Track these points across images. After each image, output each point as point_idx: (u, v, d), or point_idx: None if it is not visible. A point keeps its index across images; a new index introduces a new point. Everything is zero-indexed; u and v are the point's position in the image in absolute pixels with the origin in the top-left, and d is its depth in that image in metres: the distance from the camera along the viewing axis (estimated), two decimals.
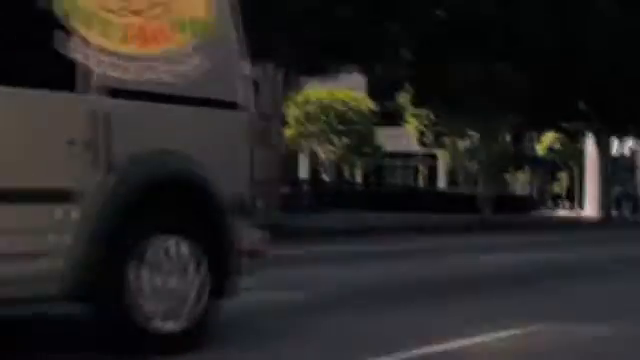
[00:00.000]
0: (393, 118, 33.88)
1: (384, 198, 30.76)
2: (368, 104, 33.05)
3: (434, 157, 39.42)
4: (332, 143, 32.57)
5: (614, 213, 33.17)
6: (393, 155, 37.85)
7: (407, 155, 39.71)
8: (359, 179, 38.98)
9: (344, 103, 32.26)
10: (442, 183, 41.13)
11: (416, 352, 4.81)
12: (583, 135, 32.65)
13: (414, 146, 35.50)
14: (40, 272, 4.10)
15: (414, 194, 33.94)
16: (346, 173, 38.26)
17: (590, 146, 32.83)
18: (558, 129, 32.51)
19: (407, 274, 9.31)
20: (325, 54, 18.55)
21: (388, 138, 34.96)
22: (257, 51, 5.38)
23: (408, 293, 7.55)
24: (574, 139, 34.43)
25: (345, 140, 31.68)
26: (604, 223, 28.81)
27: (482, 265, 10.89)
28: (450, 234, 19.09)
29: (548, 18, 21.25)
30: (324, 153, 33.78)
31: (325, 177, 35.62)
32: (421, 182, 41.21)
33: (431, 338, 5.16)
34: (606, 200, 31.77)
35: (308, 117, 32.31)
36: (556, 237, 18.98)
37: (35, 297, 4.21)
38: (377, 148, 34.34)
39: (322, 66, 19.94)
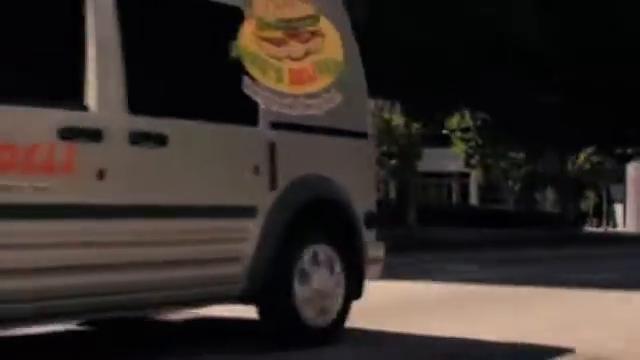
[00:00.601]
0: (437, 140, 35.47)
1: (423, 213, 31.26)
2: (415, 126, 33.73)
3: (466, 176, 41.68)
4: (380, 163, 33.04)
5: None
6: (426, 175, 39.35)
7: (440, 175, 41.85)
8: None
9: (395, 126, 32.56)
10: (473, 200, 43.27)
11: None
12: (630, 158, 34.78)
13: (449, 166, 37.49)
14: (230, 275, 4.94)
15: (452, 210, 35.71)
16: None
17: (632, 167, 35.04)
18: (607, 152, 34.64)
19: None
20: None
21: (430, 158, 36.27)
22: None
23: None
24: (620, 161, 36.52)
25: (393, 161, 32.07)
26: None
27: None
28: (544, 246, 20.83)
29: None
30: None
31: None
32: (454, 199, 43.26)
33: None
34: None
35: None
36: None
37: (224, 296, 5.05)
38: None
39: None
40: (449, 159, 38.54)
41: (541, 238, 25.58)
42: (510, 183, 36.24)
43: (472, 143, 34.09)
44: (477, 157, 34.81)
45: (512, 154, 34.53)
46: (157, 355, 5.09)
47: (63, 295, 4.18)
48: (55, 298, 4.15)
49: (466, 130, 33.13)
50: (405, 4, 18.73)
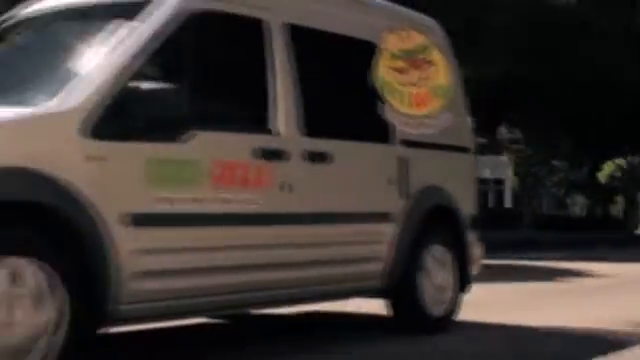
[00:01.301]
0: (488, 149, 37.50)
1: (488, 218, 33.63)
2: None
3: (500, 182, 43.61)
4: None
5: None
6: None
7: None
8: None
9: None
10: (507, 204, 44.86)
11: None
12: None
13: (484, 173, 39.39)
14: (372, 272, 5.79)
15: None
16: None
17: None
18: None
19: None
20: None
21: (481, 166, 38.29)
22: None
23: None
24: None
25: None
26: None
27: None
28: (610, 247, 22.70)
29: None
30: None
31: None
32: (490, 204, 45.14)
33: None
34: None
35: None
36: None
37: (366, 291, 5.90)
38: None
39: None
40: (484, 166, 40.60)
41: (611, 239, 27.40)
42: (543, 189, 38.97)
43: (521, 153, 36.55)
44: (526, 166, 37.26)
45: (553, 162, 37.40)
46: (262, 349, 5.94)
47: (252, 289, 5.01)
48: (248, 291, 4.98)
49: (516, 142, 35.75)
50: None
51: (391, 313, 6.20)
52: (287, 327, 6.78)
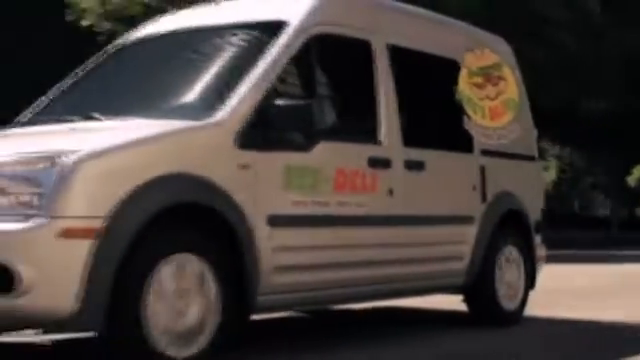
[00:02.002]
0: None
1: None
2: None
3: None
4: None
5: None
6: None
7: None
8: None
9: None
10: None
11: None
12: None
13: None
14: (456, 270, 6.36)
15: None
16: None
17: None
18: None
19: None
20: None
21: None
22: None
23: None
24: None
25: None
26: None
27: None
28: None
29: None
30: None
31: None
32: None
33: None
34: None
35: None
36: None
37: (450, 287, 6.46)
38: None
39: None
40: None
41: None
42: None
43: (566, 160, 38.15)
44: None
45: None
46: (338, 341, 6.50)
47: (364, 283, 5.58)
48: (360, 285, 5.55)
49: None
50: None
51: (468, 308, 6.77)
52: (365, 322, 7.34)
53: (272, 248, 4.82)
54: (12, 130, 5.29)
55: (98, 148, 4.19)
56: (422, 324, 7.04)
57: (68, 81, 5.92)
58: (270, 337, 6.26)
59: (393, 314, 7.69)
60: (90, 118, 4.95)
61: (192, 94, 5.08)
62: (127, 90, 5.48)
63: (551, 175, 41.13)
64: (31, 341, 5.40)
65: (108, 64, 5.94)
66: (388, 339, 5.98)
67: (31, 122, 5.41)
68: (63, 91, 5.84)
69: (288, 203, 4.95)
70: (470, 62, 6.70)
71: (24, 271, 3.89)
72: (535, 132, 7.50)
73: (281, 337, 6.31)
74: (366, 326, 7.03)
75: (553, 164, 40.88)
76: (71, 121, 4.97)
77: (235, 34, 5.42)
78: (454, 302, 6.96)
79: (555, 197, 39.03)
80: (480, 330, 6.46)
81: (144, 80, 5.53)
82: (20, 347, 5.44)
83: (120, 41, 6.18)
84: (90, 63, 6.03)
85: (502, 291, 6.70)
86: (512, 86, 7.12)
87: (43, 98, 5.83)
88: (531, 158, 7.31)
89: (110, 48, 6.13)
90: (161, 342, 4.26)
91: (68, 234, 3.97)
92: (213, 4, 5.98)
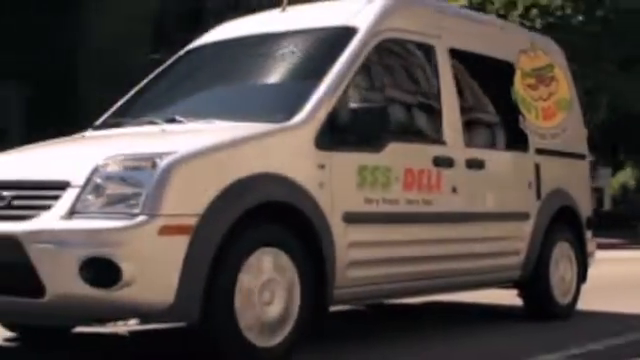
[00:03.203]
0: None
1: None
2: None
3: (600, 190, 46.34)
4: None
5: None
6: None
7: None
8: None
9: None
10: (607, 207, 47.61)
11: None
12: None
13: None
14: (513, 264, 6.59)
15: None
16: None
17: None
18: None
19: None
20: None
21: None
22: None
23: None
24: None
25: None
26: None
27: None
28: None
29: None
30: None
31: None
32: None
33: None
34: None
35: None
36: None
37: (506, 281, 6.69)
38: None
39: None
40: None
41: None
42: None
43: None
44: None
45: None
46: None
47: (429, 277, 5.82)
48: (426, 279, 5.80)
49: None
50: None
51: (522, 302, 7.01)
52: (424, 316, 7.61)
53: (347, 244, 5.08)
54: (101, 132, 5.59)
55: (192, 150, 4.47)
56: (473, 318, 7.29)
57: (145, 84, 6.21)
58: (331, 329, 6.53)
59: (443, 308, 7.94)
60: (173, 121, 5.23)
61: (271, 97, 5.36)
62: (205, 93, 5.76)
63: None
64: (110, 332, 5.70)
65: (182, 68, 6.22)
66: (437, 333, 6.24)
67: (116, 124, 5.69)
68: (140, 93, 6.13)
69: (361, 201, 5.21)
70: (524, 64, 6.94)
71: (127, 266, 4.16)
72: (585, 131, 7.71)
73: (341, 329, 6.58)
74: (413, 319, 7.30)
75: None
76: (156, 123, 5.25)
77: (307, 39, 5.69)
78: (502, 297, 7.21)
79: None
80: (530, 324, 6.71)
81: (220, 84, 5.80)
82: (98, 337, 5.74)
83: (192, 45, 6.45)
84: (164, 67, 6.31)
85: (556, 285, 6.93)
86: (563, 86, 7.36)
87: (122, 100, 6.12)
88: (581, 157, 7.53)
89: (183, 52, 6.41)
90: (249, 331, 4.53)
91: (166, 231, 4.24)
92: (279, 10, 6.22)
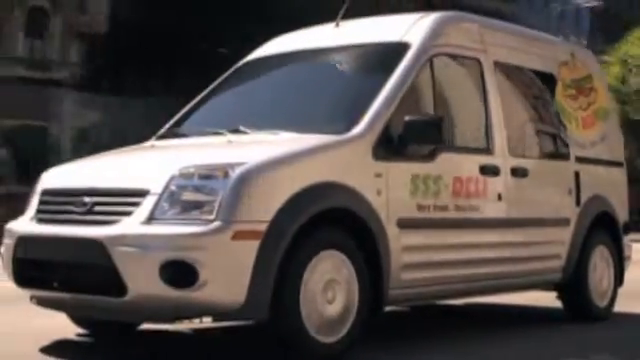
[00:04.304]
0: None
1: None
2: None
3: None
4: None
5: None
6: None
7: None
8: None
9: None
10: None
11: None
12: None
13: None
14: (554, 268, 6.88)
15: None
16: None
17: None
18: None
19: None
20: None
21: None
22: None
23: None
24: None
25: None
26: None
27: None
28: None
29: None
30: None
31: None
32: None
33: None
34: None
35: None
36: None
37: (548, 284, 6.97)
38: None
39: None
40: None
41: None
42: None
43: None
44: None
45: None
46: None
47: (477, 280, 6.13)
48: (474, 281, 6.11)
49: None
50: None
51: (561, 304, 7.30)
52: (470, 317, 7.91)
53: (401, 248, 5.41)
54: (169, 141, 5.95)
55: (261, 161, 4.82)
56: (513, 320, 7.59)
57: (205, 94, 6.56)
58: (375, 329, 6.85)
59: (483, 309, 8.24)
60: (237, 131, 5.58)
61: (330, 110, 5.70)
62: (266, 105, 6.10)
63: None
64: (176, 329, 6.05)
65: (241, 80, 6.57)
66: (476, 333, 6.54)
67: (181, 134, 6.05)
68: (201, 104, 6.48)
69: (414, 208, 5.54)
70: (564, 75, 7.24)
71: (203, 268, 4.52)
72: (622, 139, 7.99)
73: (385, 328, 6.90)
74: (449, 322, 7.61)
75: None
76: (221, 134, 5.60)
77: (363, 54, 6.02)
78: (539, 299, 7.50)
79: None
80: (568, 326, 7.00)
81: (280, 95, 6.14)
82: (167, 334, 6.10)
83: (248, 58, 6.79)
84: (223, 78, 6.66)
85: (595, 288, 7.21)
86: (602, 96, 7.66)
87: (183, 110, 6.47)
88: (619, 164, 7.82)
89: (241, 64, 6.75)
90: (313, 329, 4.87)
91: (239, 236, 4.60)
92: (333, 25, 6.54)
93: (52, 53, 31.06)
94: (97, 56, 30.34)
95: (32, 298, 5.35)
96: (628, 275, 7.85)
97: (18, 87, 28.07)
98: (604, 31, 43.83)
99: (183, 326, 5.82)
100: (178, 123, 6.38)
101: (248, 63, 6.75)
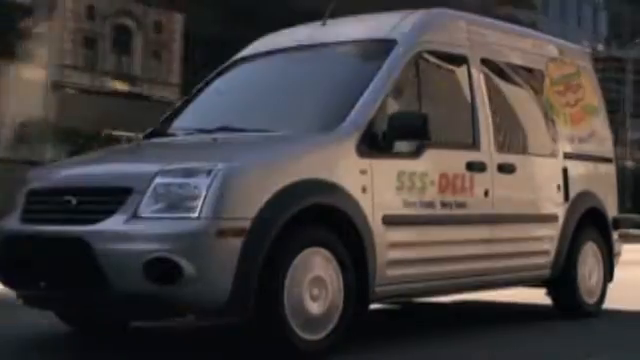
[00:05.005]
0: None
1: None
2: None
3: None
4: None
5: None
6: None
7: None
8: None
9: None
10: None
11: None
12: None
13: None
14: (542, 264, 6.89)
15: None
16: None
17: None
18: None
19: None
20: None
21: None
22: None
23: None
24: None
25: None
26: None
27: None
28: None
29: None
30: None
31: None
32: None
33: None
34: None
35: None
36: None
37: (535, 280, 6.98)
38: None
39: None
40: None
41: None
42: None
43: None
44: None
45: None
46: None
47: (462, 276, 6.14)
48: (460, 278, 6.12)
49: None
50: None
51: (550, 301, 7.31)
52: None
53: (387, 244, 5.41)
54: (155, 140, 5.96)
55: (245, 159, 4.84)
56: (505, 317, 7.61)
57: (193, 93, 6.57)
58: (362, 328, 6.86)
59: (470, 306, 8.25)
60: (223, 130, 5.58)
61: (315, 107, 5.71)
62: (252, 103, 6.11)
63: None
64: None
65: (227, 79, 6.57)
66: (472, 330, 6.55)
67: (168, 133, 6.06)
68: (188, 102, 6.49)
69: (400, 204, 5.54)
70: (552, 71, 7.24)
71: (188, 265, 4.53)
72: (611, 135, 8.00)
73: (370, 328, 6.91)
74: (435, 319, 7.62)
75: None
76: (207, 132, 5.61)
77: (349, 51, 6.03)
78: (531, 296, 7.51)
79: None
80: (556, 322, 7.01)
81: (266, 94, 6.15)
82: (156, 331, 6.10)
83: (236, 57, 6.80)
84: (211, 76, 6.67)
85: (583, 285, 7.22)
86: (590, 92, 7.67)
87: (171, 109, 6.48)
88: (608, 160, 7.82)
89: (228, 63, 6.76)
90: (297, 326, 4.88)
91: (223, 234, 4.61)
92: (320, 24, 6.55)
93: None
94: None
95: (19, 297, 5.36)
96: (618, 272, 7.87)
97: None
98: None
99: (170, 324, 5.83)
100: (165, 122, 6.39)
101: (235, 61, 6.76)
